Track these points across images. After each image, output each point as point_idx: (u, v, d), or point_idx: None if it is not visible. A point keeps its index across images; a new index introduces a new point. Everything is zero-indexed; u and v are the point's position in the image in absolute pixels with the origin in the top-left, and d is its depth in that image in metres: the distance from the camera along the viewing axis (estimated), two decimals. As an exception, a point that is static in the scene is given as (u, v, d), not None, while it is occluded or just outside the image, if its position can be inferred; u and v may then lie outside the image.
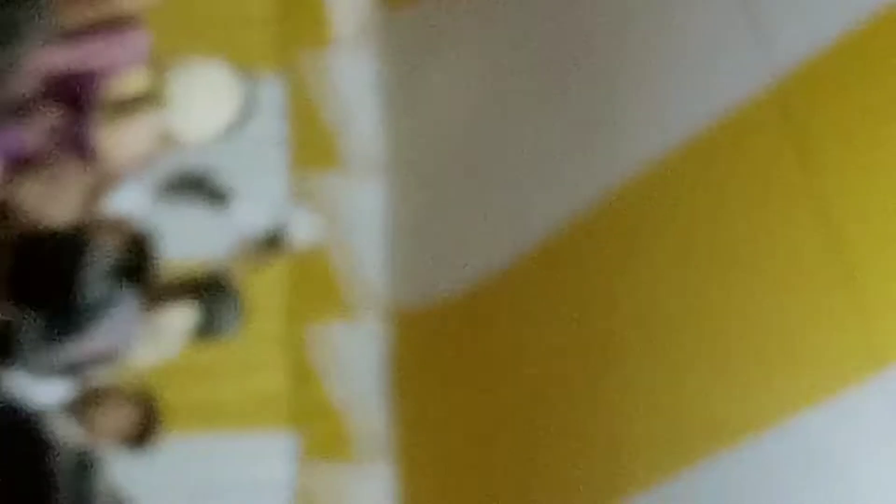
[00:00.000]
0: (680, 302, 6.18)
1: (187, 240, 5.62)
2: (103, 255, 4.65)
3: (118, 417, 5.20)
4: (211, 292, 5.39)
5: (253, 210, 6.19)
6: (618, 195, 6.33)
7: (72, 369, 4.93)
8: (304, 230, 6.55)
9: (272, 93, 6.54)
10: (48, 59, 4.48)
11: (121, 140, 4.64)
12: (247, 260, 6.04)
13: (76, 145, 4.60)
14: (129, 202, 5.11)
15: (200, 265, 5.39)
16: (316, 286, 6.91)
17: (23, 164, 4.61)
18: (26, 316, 4.43)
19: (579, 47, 6.58)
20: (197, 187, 5.54)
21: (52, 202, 4.53)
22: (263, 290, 6.35)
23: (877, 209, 5.73)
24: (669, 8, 6.32)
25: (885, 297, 5.66)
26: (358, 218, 7.07)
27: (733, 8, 6.10)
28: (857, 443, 5.77)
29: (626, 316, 6.42)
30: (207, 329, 5.31)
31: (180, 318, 5.21)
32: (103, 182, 4.76)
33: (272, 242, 6.20)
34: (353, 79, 7.12)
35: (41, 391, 4.86)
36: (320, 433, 6.74)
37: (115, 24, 4.80)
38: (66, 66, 4.68)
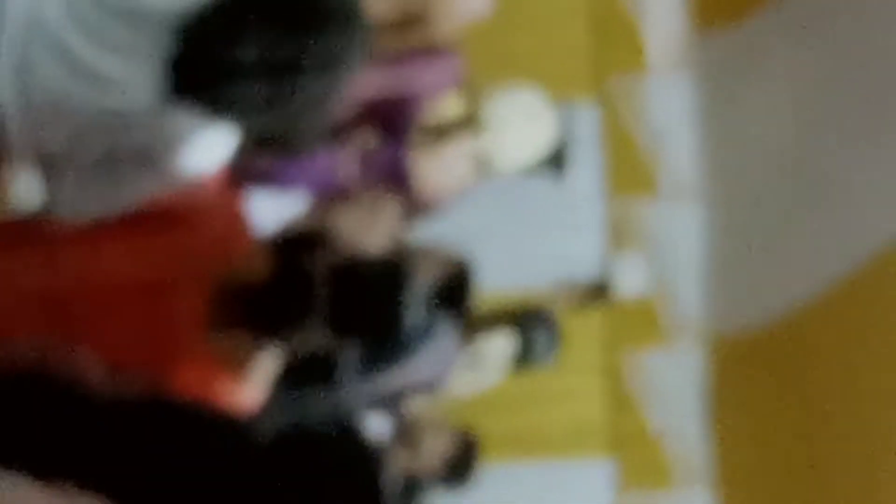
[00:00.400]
0: None
1: (507, 270, 5.74)
2: (423, 283, 4.38)
3: (438, 447, 5.35)
4: (530, 322, 5.42)
5: (569, 243, 6.34)
6: None
7: (392, 399, 5.05)
8: (631, 281, 6.66)
9: (587, 120, 6.50)
10: (364, 84, 4.27)
11: (436, 166, 4.72)
12: (570, 302, 6.20)
13: (392, 171, 4.72)
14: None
15: (520, 296, 5.50)
16: (633, 313, 6.84)
17: (338, 190, 4.74)
18: (346, 345, 4.18)
19: None
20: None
21: (368, 230, 4.61)
22: (581, 318, 6.44)
23: None
24: None
25: None
26: (674, 244, 6.90)
27: None
28: None
29: None
30: (526, 358, 5.35)
31: (499, 347, 5.25)
32: (419, 208, 4.81)
33: (599, 291, 6.46)
34: (668, 104, 6.97)
35: (364, 421, 4.90)
36: (638, 460, 6.73)
37: (430, 49, 4.89)
38: (382, 92, 4.75)
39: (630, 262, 6.65)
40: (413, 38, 4.73)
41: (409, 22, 4.67)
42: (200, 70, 3.41)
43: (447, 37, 4.76)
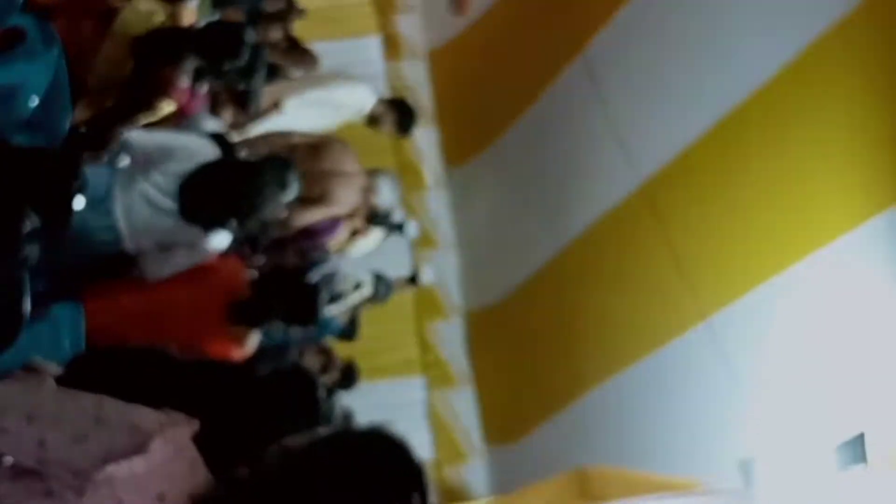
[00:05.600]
0: (605, 300, 7.52)
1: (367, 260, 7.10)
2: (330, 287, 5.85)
3: (336, 370, 7.02)
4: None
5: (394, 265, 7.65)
6: (575, 244, 7.71)
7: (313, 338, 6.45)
8: (427, 278, 8.27)
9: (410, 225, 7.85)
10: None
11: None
12: (398, 286, 7.55)
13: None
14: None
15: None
16: (429, 301, 8.50)
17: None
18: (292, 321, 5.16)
19: (547, 175, 8.01)
20: (385, 223, 7.07)
21: None
22: (401, 306, 8.09)
23: (708, 253, 6.77)
24: (571, 143, 7.71)
25: (705, 291, 6.73)
26: (448, 268, 8.57)
27: (608, 136, 7.33)
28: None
29: (579, 298, 7.71)
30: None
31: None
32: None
33: (413, 280, 8.11)
34: (438, 203, 8.76)
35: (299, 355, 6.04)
36: (437, 373, 8.29)
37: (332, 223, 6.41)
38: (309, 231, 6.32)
39: (429, 269, 8.26)
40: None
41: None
42: (209, 209, 4.61)
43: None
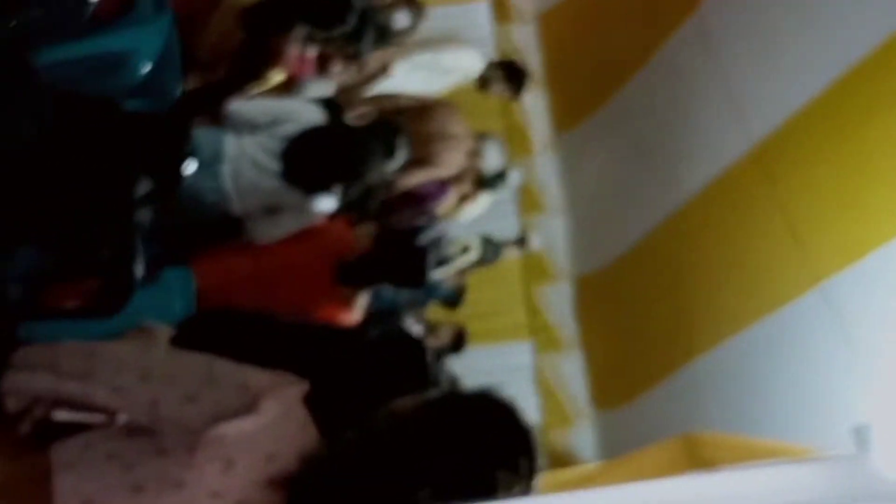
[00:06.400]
0: (716, 263, 7.39)
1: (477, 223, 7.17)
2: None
3: (447, 334, 7.08)
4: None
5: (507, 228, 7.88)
6: (686, 208, 7.58)
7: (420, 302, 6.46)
8: (535, 244, 8.30)
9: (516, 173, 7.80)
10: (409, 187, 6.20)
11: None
12: (506, 249, 7.60)
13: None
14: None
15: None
16: (536, 265, 8.58)
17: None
18: (398, 284, 5.19)
19: (657, 139, 7.91)
20: (492, 185, 7.21)
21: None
22: (509, 270, 8.18)
23: (822, 216, 6.61)
24: (683, 106, 7.60)
25: (820, 254, 6.57)
26: (556, 232, 8.66)
27: (720, 98, 7.24)
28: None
29: (689, 262, 7.61)
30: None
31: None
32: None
33: (520, 243, 8.08)
34: (546, 168, 8.84)
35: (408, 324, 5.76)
36: (545, 336, 8.36)
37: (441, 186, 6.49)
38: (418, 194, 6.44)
39: (536, 237, 8.22)
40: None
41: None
42: (312, 173, 4.67)
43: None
